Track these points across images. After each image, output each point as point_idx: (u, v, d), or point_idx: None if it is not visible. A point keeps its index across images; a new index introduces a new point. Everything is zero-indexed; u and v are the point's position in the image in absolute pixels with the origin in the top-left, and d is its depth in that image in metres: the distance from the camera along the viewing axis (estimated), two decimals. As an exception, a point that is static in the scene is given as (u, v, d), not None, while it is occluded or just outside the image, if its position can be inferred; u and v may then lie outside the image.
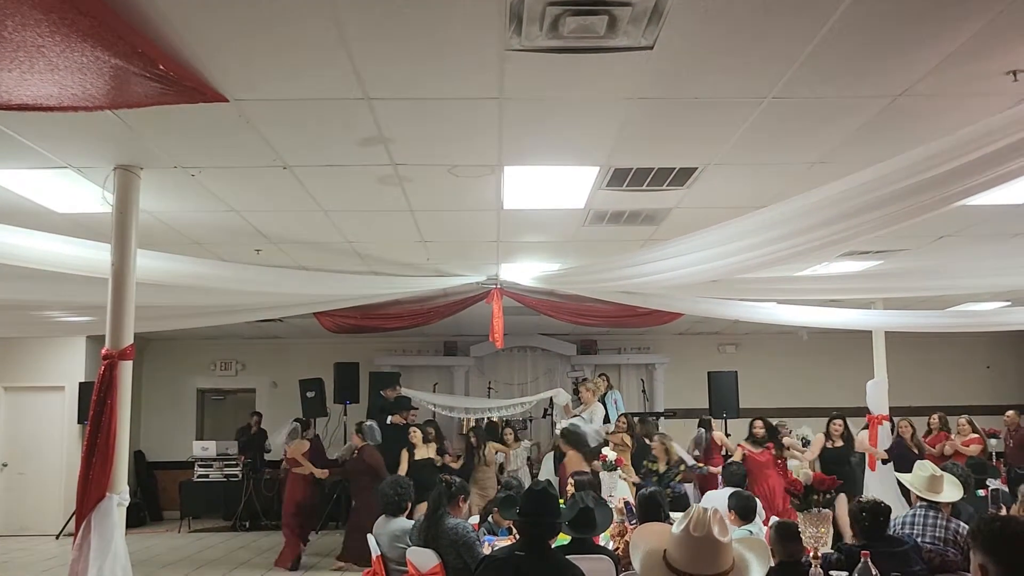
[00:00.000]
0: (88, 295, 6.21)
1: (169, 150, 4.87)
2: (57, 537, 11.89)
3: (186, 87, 3.73)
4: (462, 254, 7.85)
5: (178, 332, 12.44)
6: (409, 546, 5.28)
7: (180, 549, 11.08)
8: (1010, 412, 11.20)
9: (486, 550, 5.15)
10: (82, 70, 3.30)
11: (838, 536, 6.02)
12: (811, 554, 4.17)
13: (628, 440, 9.57)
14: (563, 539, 4.79)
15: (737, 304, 8.83)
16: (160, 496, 14.07)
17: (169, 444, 14.02)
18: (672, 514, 5.13)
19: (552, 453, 10.30)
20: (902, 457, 8.95)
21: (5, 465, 12.49)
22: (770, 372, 14.10)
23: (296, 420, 10.91)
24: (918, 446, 9.37)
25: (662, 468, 8.27)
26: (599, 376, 12.37)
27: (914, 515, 5.04)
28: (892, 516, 4.63)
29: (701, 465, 9.59)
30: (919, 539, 4.77)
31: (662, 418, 12.76)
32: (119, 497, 4.69)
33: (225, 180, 5.45)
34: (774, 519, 5.06)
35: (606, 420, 10.46)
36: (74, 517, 4.79)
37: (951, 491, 5.13)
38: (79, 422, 12.04)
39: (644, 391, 14.15)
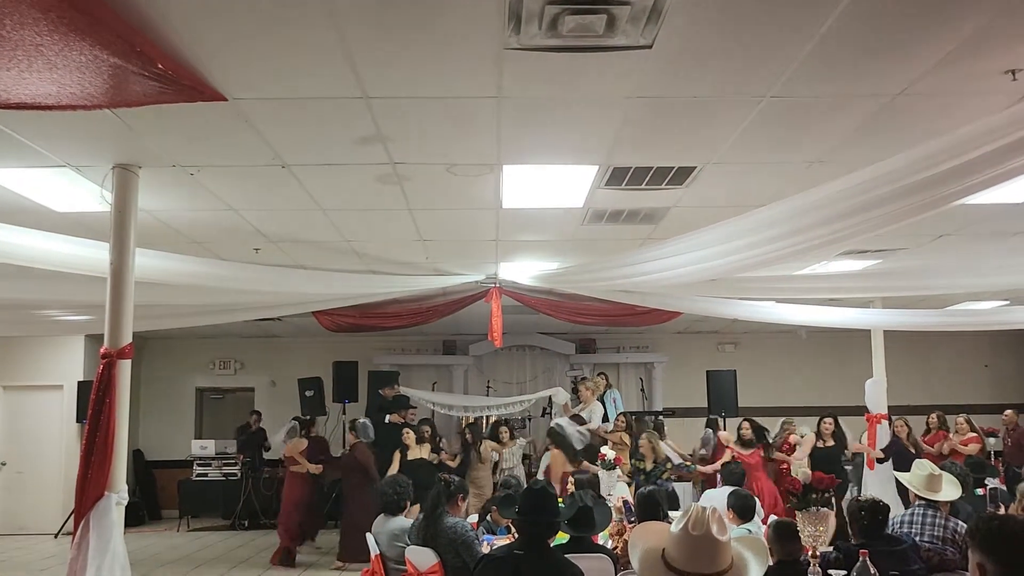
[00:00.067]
0: (87, 294, 6.20)
1: (168, 149, 4.87)
2: (56, 536, 11.88)
3: (185, 86, 3.72)
4: (461, 253, 7.85)
5: (177, 331, 12.44)
6: (408, 545, 5.28)
7: (179, 548, 11.07)
8: (1008, 411, 11.23)
9: (485, 549, 5.16)
10: (81, 69, 3.30)
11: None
12: (809, 553, 4.17)
13: (627, 439, 9.60)
14: (562, 538, 4.79)
15: (736, 303, 8.83)
16: (159, 495, 14.07)
17: (168, 443, 14.01)
18: (670, 513, 5.14)
19: (548, 452, 10.32)
20: (899, 456, 8.97)
21: (4, 464, 12.47)
22: (769, 371, 14.10)
23: (295, 418, 10.92)
24: (915, 445, 9.38)
25: (649, 466, 8.28)
26: (598, 375, 12.36)
27: (912, 514, 5.05)
28: (890, 515, 4.63)
29: (688, 463, 9.59)
30: (918, 538, 4.77)
31: (660, 417, 12.74)
32: (118, 496, 4.69)
33: (224, 179, 5.45)
34: (773, 518, 5.06)
35: (605, 419, 10.46)
36: (72, 516, 4.79)
37: (949, 490, 5.14)
38: (78, 421, 12.04)
39: (643, 390, 14.15)
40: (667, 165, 5.31)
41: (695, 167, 5.34)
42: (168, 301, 7.39)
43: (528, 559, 3.64)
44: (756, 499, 6.15)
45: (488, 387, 13.92)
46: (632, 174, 5.45)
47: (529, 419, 13.14)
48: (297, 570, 9.49)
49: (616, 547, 5.33)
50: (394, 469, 9.00)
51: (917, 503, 5.09)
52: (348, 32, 3.46)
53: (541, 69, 3.81)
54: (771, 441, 9.60)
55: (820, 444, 9.30)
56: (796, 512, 4.38)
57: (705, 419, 11.79)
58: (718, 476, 8.27)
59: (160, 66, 3.45)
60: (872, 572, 3.74)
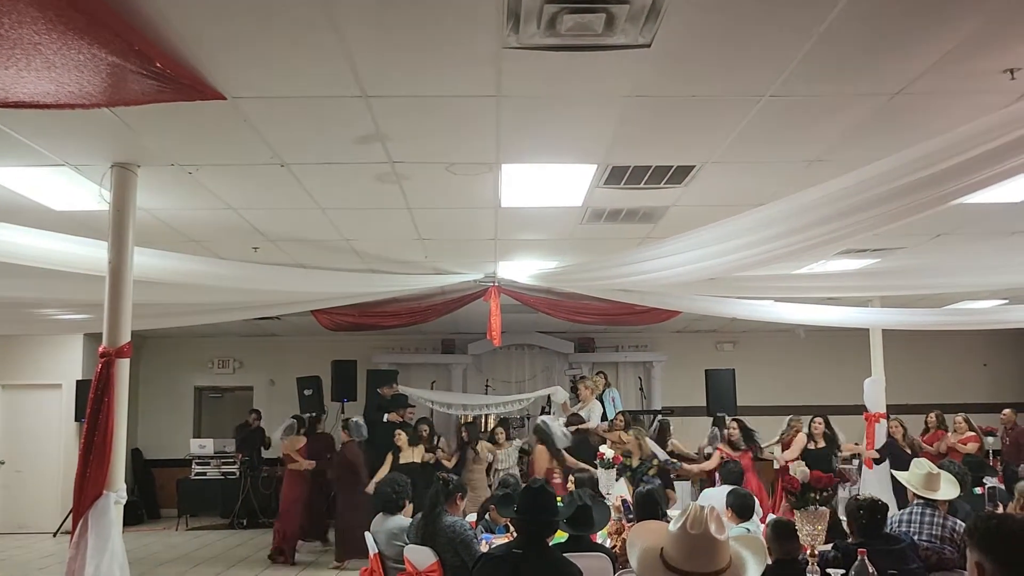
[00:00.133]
0: (85, 293, 6.20)
1: (166, 148, 4.87)
2: (54, 535, 11.87)
3: (183, 85, 3.72)
4: (460, 252, 7.85)
5: (175, 330, 12.44)
6: (406, 544, 5.28)
7: (177, 547, 11.07)
8: (1007, 410, 11.23)
9: (483, 548, 5.15)
10: (79, 67, 3.30)
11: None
12: (808, 552, 4.17)
13: (626, 438, 9.59)
14: (561, 537, 4.79)
15: (734, 302, 8.84)
16: (157, 494, 14.06)
17: (166, 442, 14.01)
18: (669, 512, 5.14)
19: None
20: (894, 456, 8.95)
21: (3, 463, 12.46)
22: (768, 370, 14.10)
23: (295, 416, 10.92)
24: (910, 445, 9.36)
25: (635, 463, 8.28)
26: (597, 374, 12.38)
27: (911, 513, 5.05)
28: (888, 514, 4.63)
29: (675, 461, 9.60)
30: (916, 537, 4.78)
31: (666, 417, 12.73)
32: (116, 495, 4.69)
33: (222, 178, 5.45)
34: (771, 516, 5.07)
35: (604, 418, 10.47)
36: (71, 515, 4.79)
37: (948, 489, 5.15)
38: (76, 420, 12.03)
39: (642, 389, 14.15)
40: (666, 164, 5.31)
41: (694, 166, 5.34)
42: (167, 300, 7.39)
43: (527, 558, 3.64)
44: (754, 498, 6.15)
45: (487, 386, 13.90)
46: (631, 173, 5.44)
47: (528, 418, 13.12)
48: (295, 569, 9.50)
49: (615, 546, 5.33)
50: (384, 471, 9.00)
51: (915, 502, 5.10)
52: (347, 31, 3.46)
53: (540, 68, 3.81)
54: (779, 438, 9.63)
55: (812, 446, 9.23)
56: (794, 511, 4.39)
57: (704, 417, 11.79)
58: (716, 475, 8.28)
59: (159, 65, 3.45)
60: (870, 571, 3.75)
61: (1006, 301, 10.43)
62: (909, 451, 8.96)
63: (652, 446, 9.02)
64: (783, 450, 9.53)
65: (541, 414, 12.96)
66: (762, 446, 9.45)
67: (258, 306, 8.36)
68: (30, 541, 11.62)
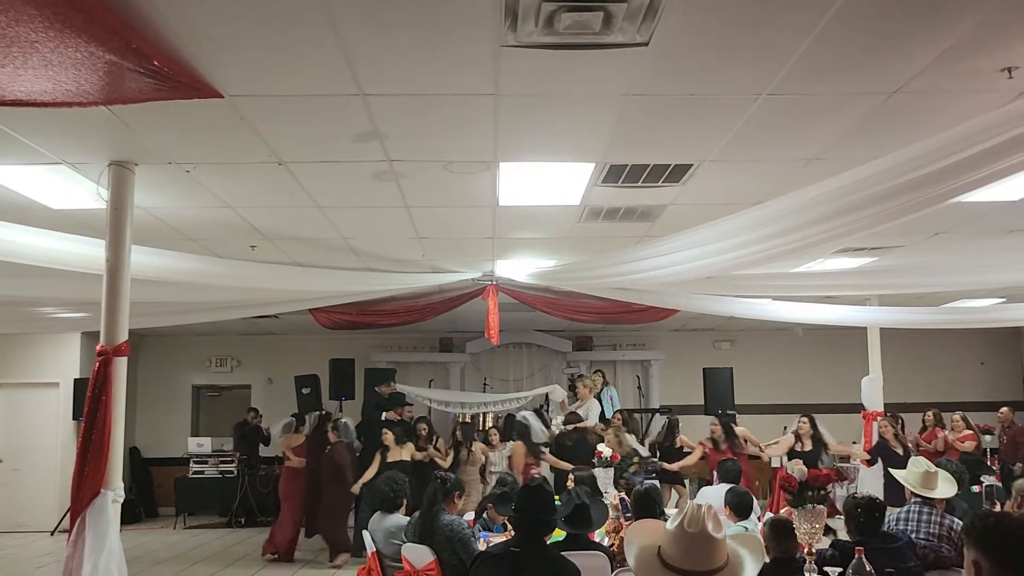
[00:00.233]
0: (83, 291, 6.20)
1: (164, 146, 4.86)
2: (52, 533, 11.86)
3: (181, 83, 3.72)
4: (458, 250, 7.85)
5: (173, 328, 12.42)
6: (404, 542, 5.28)
7: (175, 545, 11.06)
8: (1004, 408, 11.25)
9: (481, 546, 5.15)
10: (76, 66, 3.29)
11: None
12: (805, 550, 4.17)
13: (607, 436, 9.58)
14: (558, 535, 4.79)
15: (732, 300, 8.84)
16: (155, 492, 14.05)
17: (164, 440, 13.99)
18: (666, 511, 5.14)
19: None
20: (887, 457, 8.89)
21: (1, 461, 12.46)
22: (765, 369, 14.11)
23: (294, 415, 10.92)
24: (902, 444, 9.28)
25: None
26: (595, 372, 12.39)
27: (908, 511, 5.05)
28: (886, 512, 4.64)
29: (655, 459, 9.60)
30: (913, 535, 4.77)
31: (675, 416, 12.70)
32: (114, 493, 4.69)
33: (220, 176, 5.44)
34: (769, 515, 5.07)
35: (602, 417, 10.47)
36: (69, 513, 4.78)
37: (945, 487, 5.14)
38: (74, 418, 12.02)
39: (639, 387, 14.15)
40: (664, 162, 5.31)
41: (692, 164, 5.34)
42: (164, 298, 7.38)
43: (524, 556, 3.64)
44: (753, 496, 6.15)
45: (485, 384, 13.90)
46: (629, 171, 5.45)
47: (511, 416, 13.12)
48: (293, 567, 9.49)
49: (612, 544, 5.33)
50: (372, 472, 8.99)
51: (913, 500, 5.10)
52: (345, 30, 3.46)
53: (538, 66, 3.81)
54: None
55: (799, 447, 8.94)
56: (792, 509, 4.39)
57: (702, 416, 11.78)
58: (715, 474, 8.28)
59: (156, 63, 3.44)
60: (868, 569, 3.75)
61: (1003, 299, 10.44)
62: (901, 451, 8.88)
63: (632, 442, 9.04)
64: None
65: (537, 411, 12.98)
66: (761, 446, 9.43)
67: (256, 304, 8.36)
68: (28, 539, 11.61)
